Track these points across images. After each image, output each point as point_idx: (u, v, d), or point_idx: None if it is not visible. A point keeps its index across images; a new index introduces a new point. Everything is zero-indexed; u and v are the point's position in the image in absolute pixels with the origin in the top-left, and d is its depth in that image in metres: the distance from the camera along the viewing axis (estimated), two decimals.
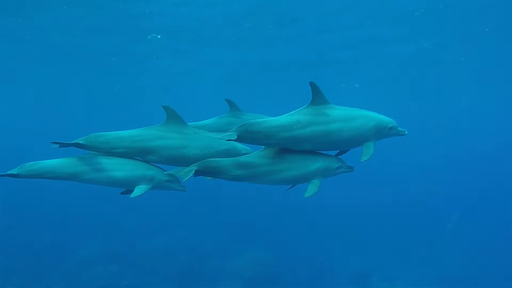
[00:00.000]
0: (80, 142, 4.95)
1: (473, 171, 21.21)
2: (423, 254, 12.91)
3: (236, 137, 4.43)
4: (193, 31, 15.86)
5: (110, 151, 5.00)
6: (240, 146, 5.16)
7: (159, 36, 16.68)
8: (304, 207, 12.10)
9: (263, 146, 4.84)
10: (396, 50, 19.09)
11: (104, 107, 35.56)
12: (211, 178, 4.85)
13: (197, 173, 4.56)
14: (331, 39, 17.13)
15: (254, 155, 4.79)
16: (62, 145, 4.93)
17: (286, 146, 4.67)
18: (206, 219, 13.55)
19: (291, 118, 4.59)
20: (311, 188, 4.67)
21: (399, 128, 4.97)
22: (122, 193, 5.30)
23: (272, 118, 4.66)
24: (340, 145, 4.87)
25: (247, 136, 4.50)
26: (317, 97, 4.69)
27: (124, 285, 11.49)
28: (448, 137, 27.99)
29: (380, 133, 4.86)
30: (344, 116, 4.70)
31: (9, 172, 4.83)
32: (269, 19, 14.62)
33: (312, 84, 4.64)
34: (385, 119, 4.92)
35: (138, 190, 4.92)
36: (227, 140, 4.51)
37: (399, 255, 12.81)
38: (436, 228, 13.93)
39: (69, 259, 12.44)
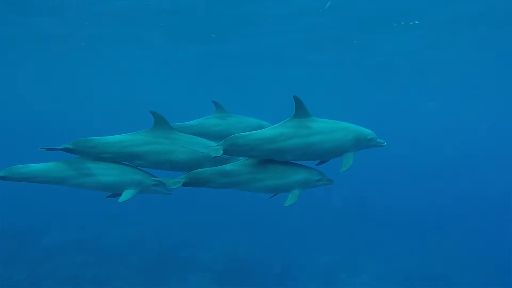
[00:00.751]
0: (69, 146, 5.00)
1: (441, 168, 22.07)
2: (389, 250, 13.31)
3: (222, 152, 4.65)
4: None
5: (99, 156, 5.08)
6: None
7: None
8: (276, 203, 12.19)
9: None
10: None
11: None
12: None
13: (185, 184, 4.74)
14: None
15: (238, 163, 5.01)
16: (50, 149, 4.94)
17: (270, 157, 4.91)
18: (177, 210, 13.35)
19: (274, 131, 4.86)
20: (291, 198, 4.93)
21: (378, 139, 5.27)
22: (108, 196, 5.35)
23: (256, 131, 4.94)
24: (321, 156, 5.14)
25: (233, 149, 4.76)
26: (300, 110, 4.94)
27: (90, 276, 11.20)
28: (414, 137, 28.99)
29: (360, 144, 5.14)
30: (325, 128, 4.98)
31: None
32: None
33: (295, 98, 4.91)
34: (365, 131, 5.20)
35: (126, 195, 5.04)
36: (214, 157, 4.67)
37: (366, 251, 13.17)
38: (403, 225, 14.37)
39: (30, 248, 11.99)
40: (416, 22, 14.50)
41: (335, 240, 13.56)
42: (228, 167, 4.92)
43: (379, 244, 13.63)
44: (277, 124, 4.99)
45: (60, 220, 13.21)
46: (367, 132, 5.20)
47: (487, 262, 12.59)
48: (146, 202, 13.37)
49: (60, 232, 12.82)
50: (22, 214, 13.11)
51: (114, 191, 5.20)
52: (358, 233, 13.85)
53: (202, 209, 13.54)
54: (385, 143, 5.29)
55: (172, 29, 16.71)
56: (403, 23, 14.72)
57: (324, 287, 11.92)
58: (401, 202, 16.33)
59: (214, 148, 4.71)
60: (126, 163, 5.22)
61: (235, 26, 16.03)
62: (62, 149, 4.99)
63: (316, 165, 5.36)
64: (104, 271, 11.32)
